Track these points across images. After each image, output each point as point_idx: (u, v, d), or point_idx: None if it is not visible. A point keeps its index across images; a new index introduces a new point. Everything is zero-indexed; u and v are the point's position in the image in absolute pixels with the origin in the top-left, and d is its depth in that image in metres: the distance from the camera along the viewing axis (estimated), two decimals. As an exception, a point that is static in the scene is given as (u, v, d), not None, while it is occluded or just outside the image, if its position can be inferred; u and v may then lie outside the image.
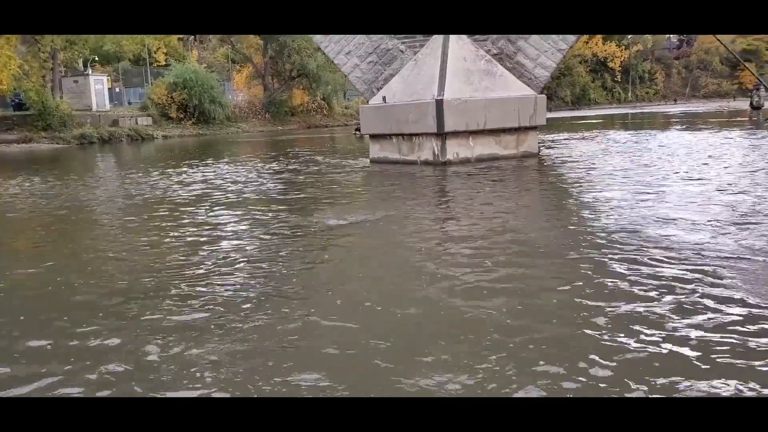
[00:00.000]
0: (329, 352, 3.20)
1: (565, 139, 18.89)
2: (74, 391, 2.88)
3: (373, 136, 14.14)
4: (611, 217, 6.47)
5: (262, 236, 6.40)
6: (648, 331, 3.29)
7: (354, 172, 12.79)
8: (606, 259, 4.76)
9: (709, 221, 5.97)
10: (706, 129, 20.28)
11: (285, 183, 11.26)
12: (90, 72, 36.87)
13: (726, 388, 2.65)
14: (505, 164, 12.13)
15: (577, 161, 12.56)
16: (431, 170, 11.85)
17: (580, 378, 2.79)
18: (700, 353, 3.00)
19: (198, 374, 2.99)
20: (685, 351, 3.05)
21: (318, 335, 3.45)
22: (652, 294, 3.89)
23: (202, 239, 6.32)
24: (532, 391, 2.68)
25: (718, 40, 26.45)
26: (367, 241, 6.06)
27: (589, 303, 3.79)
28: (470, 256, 5.08)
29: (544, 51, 13.34)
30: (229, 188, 10.58)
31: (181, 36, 46.73)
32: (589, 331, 3.34)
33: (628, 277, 4.25)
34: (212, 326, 3.65)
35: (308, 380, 2.87)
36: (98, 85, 37.08)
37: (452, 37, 13.29)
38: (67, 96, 34.31)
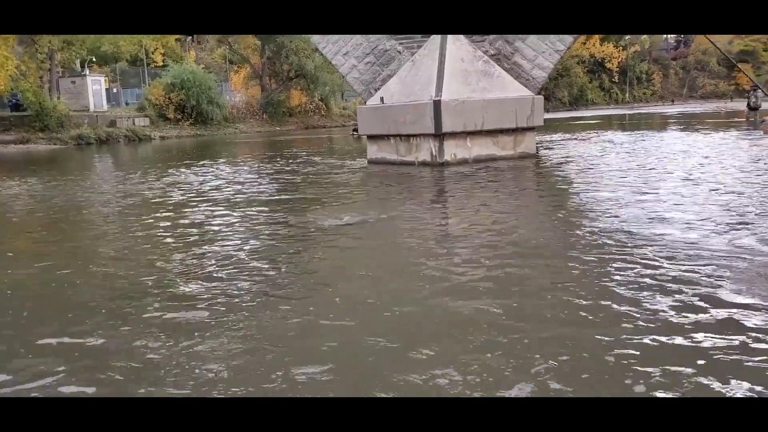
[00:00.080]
0: (329, 351, 3.21)
1: (562, 140, 18.91)
2: (74, 391, 2.88)
3: (371, 137, 14.14)
4: (608, 217, 6.49)
5: (260, 236, 6.41)
6: (644, 331, 3.30)
7: (352, 172, 12.80)
8: (603, 259, 4.78)
9: (704, 221, 6.00)
10: (704, 130, 20.32)
11: (283, 183, 11.27)
12: (87, 73, 36.88)
13: (725, 387, 2.67)
14: (503, 165, 12.14)
15: (575, 162, 12.59)
16: (429, 171, 11.86)
17: (578, 377, 2.81)
18: (697, 353, 3.02)
19: (198, 374, 3.00)
20: (683, 350, 3.06)
21: (317, 334, 3.46)
22: (649, 293, 3.91)
23: (201, 239, 6.34)
24: (532, 391, 2.69)
25: (713, 43, 26.45)
26: (366, 241, 6.07)
27: (587, 302, 3.80)
28: (469, 256, 5.10)
29: (542, 52, 13.37)
30: (228, 189, 10.58)
31: (178, 37, 46.68)
32: (586, 331, 3.35)
33: (625, 277, 4.27)
34: (212, 325, 3.66)
35: (308, 380, 2.88)
36: (95, 85, 37.09)
37: (450, 38, 13.31)
38: (65, 97, 34.28)
